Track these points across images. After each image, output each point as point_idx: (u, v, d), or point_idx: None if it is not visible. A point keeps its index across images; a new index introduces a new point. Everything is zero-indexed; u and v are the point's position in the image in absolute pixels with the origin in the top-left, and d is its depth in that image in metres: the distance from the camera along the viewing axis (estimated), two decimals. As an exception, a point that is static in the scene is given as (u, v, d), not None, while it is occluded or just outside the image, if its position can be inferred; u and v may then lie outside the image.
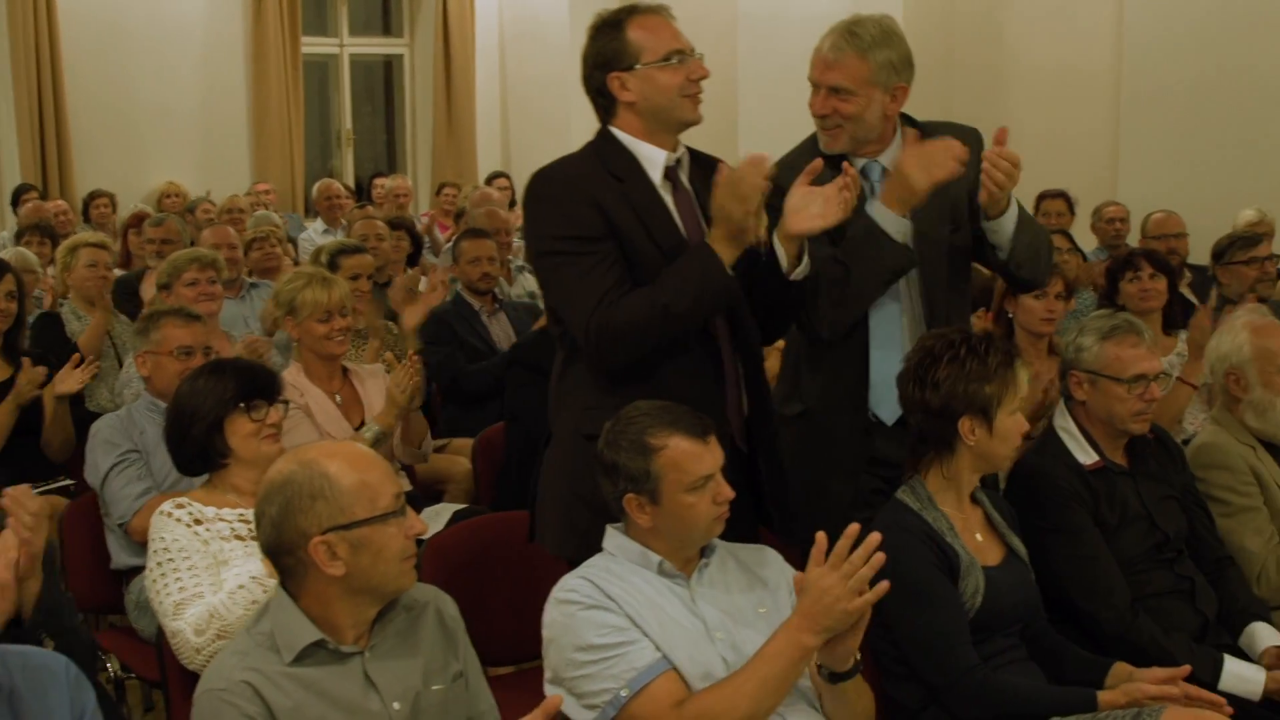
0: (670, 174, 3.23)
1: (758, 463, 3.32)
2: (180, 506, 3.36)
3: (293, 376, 4.54)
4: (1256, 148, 7.91)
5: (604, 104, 3.24)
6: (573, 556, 2.98)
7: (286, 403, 3.63)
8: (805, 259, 3.18)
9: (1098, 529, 3.45)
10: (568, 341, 3.23)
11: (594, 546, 2.91)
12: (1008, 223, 3.43)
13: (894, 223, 3.34)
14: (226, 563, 3.29)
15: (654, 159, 3.21)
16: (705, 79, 3.21)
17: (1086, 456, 3.54)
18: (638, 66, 3.15)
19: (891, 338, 3.52)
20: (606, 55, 3.18)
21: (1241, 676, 3.33)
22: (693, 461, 2.77)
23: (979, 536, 3.18)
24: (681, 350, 3.15)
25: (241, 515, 3.37)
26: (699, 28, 10.70)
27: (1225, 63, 7.94)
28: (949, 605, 3.02)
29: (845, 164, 3.17)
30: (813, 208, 3.09)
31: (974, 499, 3.24)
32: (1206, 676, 3.29)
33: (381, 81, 13.48)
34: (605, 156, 3.21)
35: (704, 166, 3.32)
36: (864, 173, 3.49)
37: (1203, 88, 8.08)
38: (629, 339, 3.06)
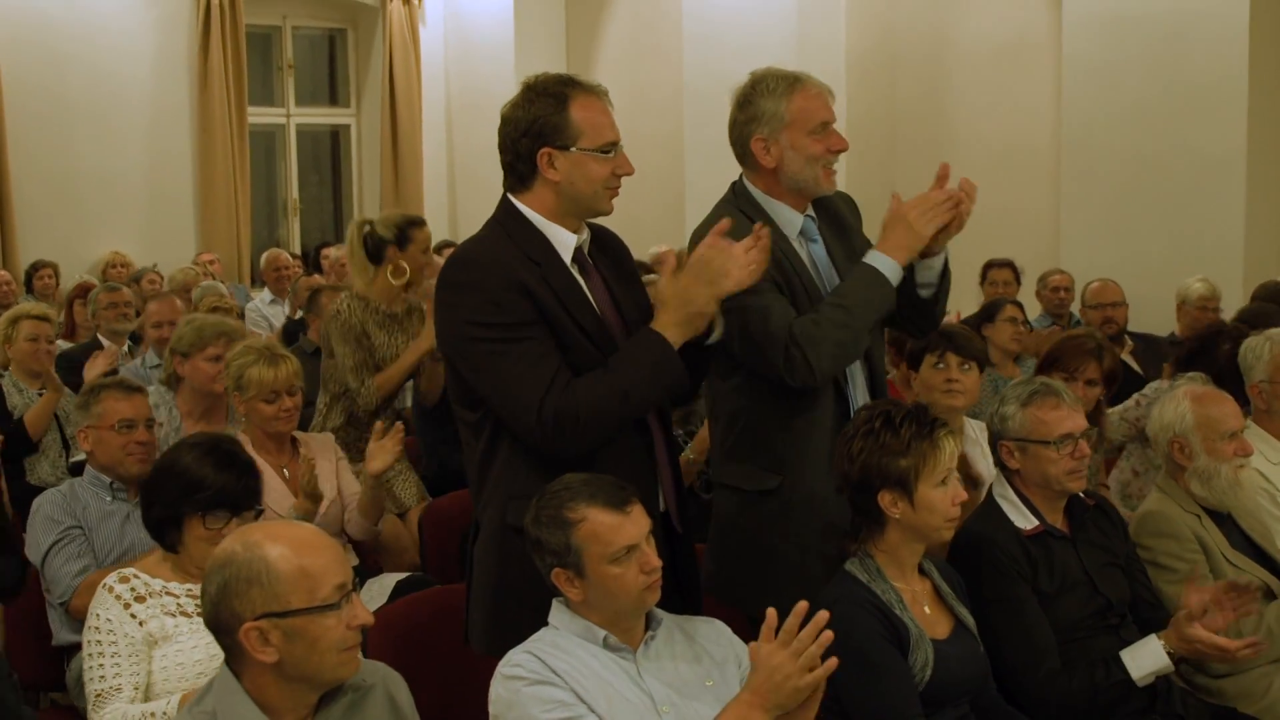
0: (579, 256, 3.16)
1: (685, 547, 3.30)
2: (124, 580, 3.33)
3: None
4: (1191, 217, 8.07)
5: (521, 172, 3.12)
6: (499, 654, 2.89)
7: (259, 511, 3.52)
8: (719, 323, 3.14)
9: (1035, 597, 3.46)
10: (486, 428, 3.13)
11: (520, 642, 2.85)
12: (940, 261, 3.49)
13: (894, 271, 3.36)
14: (169, 638, 3.26)
15: (565, 242, 3.12)
16: (628, 175, 3.14)
17: (1026, 522, 3.56)
18: (573, 149, 3.05)
19: (857, 386, 3.54)
20: (542, 127, 3.05)
21: (1142, 655, 3.39)
22: (611, 533, 2.75)
23: (927, 609, 3.19)
24: (615, 434, 3.09)
25: (190, 590, 3.34)
26: (646, 99, 10.78)
27: (1159, 138, 8.11)
28: (898, 678, 3.01)
29: (757, 225, 3.14)
30: (727, 267, 3.02)
31: (922, 570, 3.24)
32: (1118, 676, 3.36)
33: (328, 151, 13.49)
34: (517, 238, 3.10)
35: (604, 244, 3.29)
36: (803, 230, 3.52)
37: (1139, 161, 8.24)
38: (591, 426, 2.98)
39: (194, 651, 3.27)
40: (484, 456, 3.16)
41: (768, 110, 3.44)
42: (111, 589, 3.30)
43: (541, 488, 2.90)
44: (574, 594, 2.80)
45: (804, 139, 3.44)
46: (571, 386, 2.98)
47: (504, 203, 3.17)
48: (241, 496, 3.45)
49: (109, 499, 4.15)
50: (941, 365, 4.41)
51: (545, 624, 2.87)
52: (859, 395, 3.54)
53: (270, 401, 4.53)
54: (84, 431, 4.30)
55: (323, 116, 13.25)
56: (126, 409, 4.28)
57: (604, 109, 3.11)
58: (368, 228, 5.50)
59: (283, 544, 2.39)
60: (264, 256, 10.58)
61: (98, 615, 3.26)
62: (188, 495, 3.39)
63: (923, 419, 3.15)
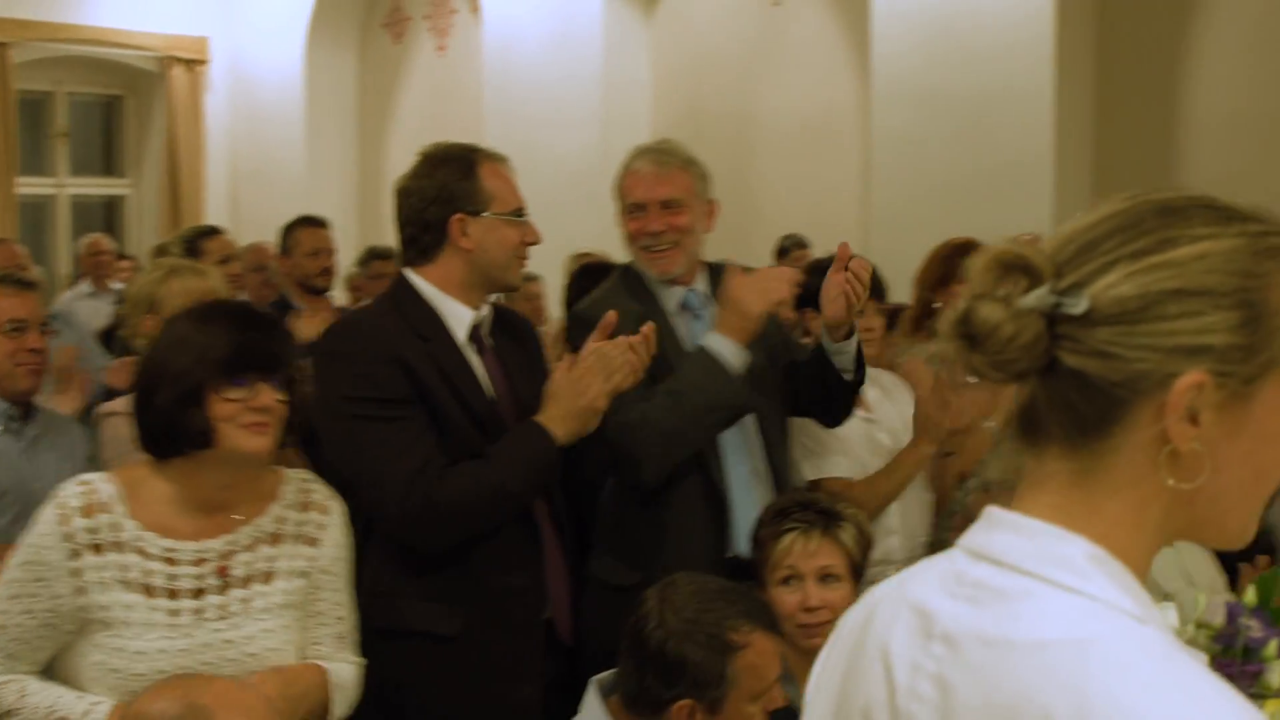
0: (475, 334, 3.01)
1: (580, 662, 2.95)
2: (88, 510, 2.42)
3: None
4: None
5: (428, 242, 2.96)
6: None
7: (291, 382, 2.54)
8: None
9: None
10: (360, 520, 2.79)
11: None
12: (854, 343, 3.26)
13: (735, 354, 3.09)
14: (108, 625, 2.40)
15: (460, 317, 2.97)
16: (536, 244, 3.03)
17: None
18: (486, 214, 2.94)
19: (742, 478, 3.25)
20: (454, 193, 2.94)
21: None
22: (771, 663, 2.34)
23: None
24: (494, 530, 2.84)
25: (171, 552, 2.45)
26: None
27: (967, 214, 7.84)
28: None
29: (648, 324, 2.94)
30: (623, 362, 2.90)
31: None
32: None
33: (102, 223, 12.80)
34: (406, 311, 2.93)
35: (508, 325, 3.12)
36: (685, 304, 3.33)
37: (946, 238, 8.17)
38: (458, 520, 2.78)
39: (153, 642, 2.43)
40: (361, 538, 2.81)
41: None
42: (72, 510, 2.43)
43: (408, 588, 2.75)
44: None
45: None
46: (441, 476, 2.75)
47: (398, 278, 3.04)
48: (272, 347, 2.52)
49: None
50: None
51: None
52: (745, 488, 3.23)
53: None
54: None
55: (98, 187, 12.65)
56: (17, 307, 3.53)
57: (510, 175, 3.07)
58: (160, 255, 5.03)
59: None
60: (82, 243, 9.26)
61: (31, 545, 2.43)
62: (204, 359, 2.44)
63: (788, 513, 2.88)
